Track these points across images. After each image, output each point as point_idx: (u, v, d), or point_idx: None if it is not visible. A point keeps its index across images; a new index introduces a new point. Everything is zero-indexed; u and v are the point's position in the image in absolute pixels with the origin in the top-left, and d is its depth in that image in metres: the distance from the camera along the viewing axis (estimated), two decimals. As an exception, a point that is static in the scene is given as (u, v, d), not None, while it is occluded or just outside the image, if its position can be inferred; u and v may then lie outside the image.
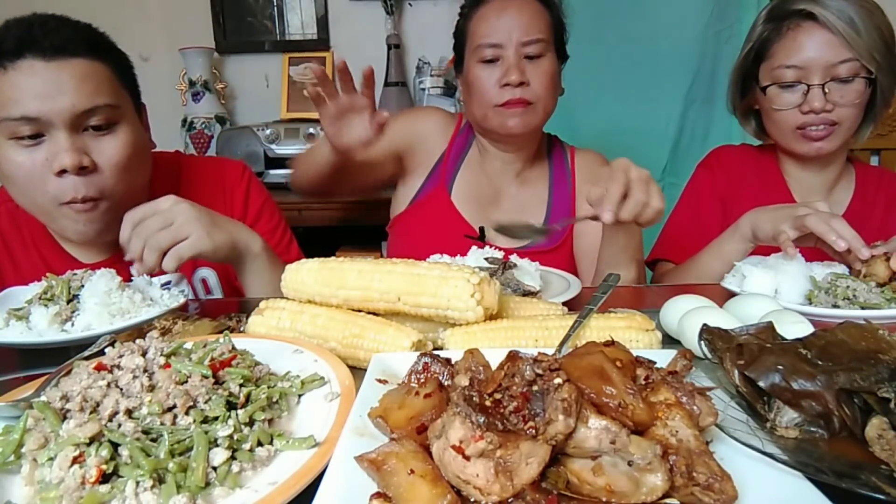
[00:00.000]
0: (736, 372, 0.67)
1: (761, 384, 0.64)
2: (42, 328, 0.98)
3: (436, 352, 0.72)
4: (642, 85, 2.59)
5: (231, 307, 1.11)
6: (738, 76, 1.55)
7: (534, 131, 1.60)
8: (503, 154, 1.65)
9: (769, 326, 0.76)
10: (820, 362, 0.65)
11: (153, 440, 0.59)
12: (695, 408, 0.57)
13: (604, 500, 0.51)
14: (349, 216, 2.36)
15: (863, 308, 0.99)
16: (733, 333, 0.74)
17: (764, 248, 1.24)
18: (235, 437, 0.60)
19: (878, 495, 0.49)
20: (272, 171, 2.53)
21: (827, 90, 1.36)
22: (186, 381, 0.66)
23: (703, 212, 1.61)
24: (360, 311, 0.91)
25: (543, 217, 1.65)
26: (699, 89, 2.55)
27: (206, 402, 0.63)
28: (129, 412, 0.62)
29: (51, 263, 1.27)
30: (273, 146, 2.53)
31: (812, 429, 0.61)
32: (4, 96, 1.08)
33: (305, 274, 0.94)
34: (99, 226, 1.19)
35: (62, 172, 1.10)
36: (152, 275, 1.13)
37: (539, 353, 0.59)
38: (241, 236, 1.20)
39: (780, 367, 0.64)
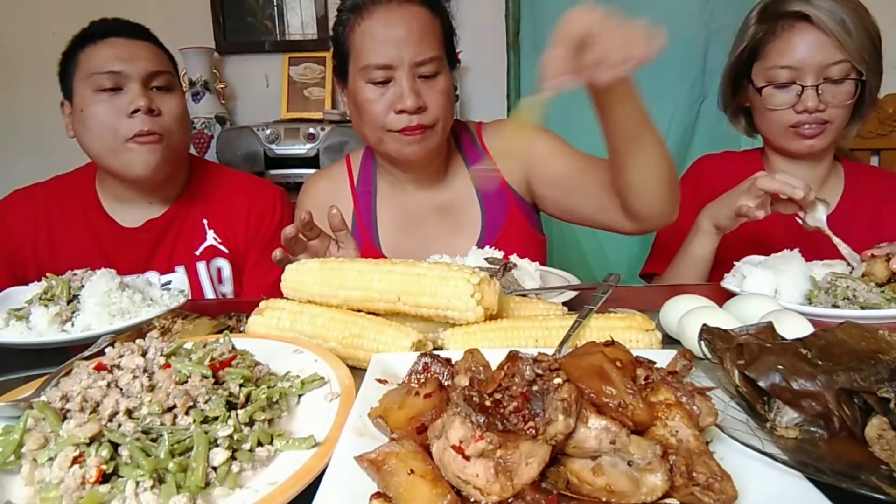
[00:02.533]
0: (736, 372, 0.67)
1: (761, 384, 0.64)
2: (42, 328, 0.98)
3: (436, 352, 0.72)
4: (643, 82, 2.58)
5: (231, 307, 1.11)
6: (730, 75, 1.55)
7: (435, 153, 1.47)
8: (408, 174, 1.51)
9: (769, 326, 0.76)
10: (820, 362, 0.64)
11: (153, 440, 0.59)
12: (695, 408, 0.57)
13: (604, 500, 0.51)
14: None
15: (863, 308, 0.99)
16: (733, 333, 0.74)
17: (764, 249, 1.24)
18: (235, 437, 0.60)
19: (877, 495, 0.49)
20: (272, 171, 2.53)
21: (820, 91, 1.38)
22: (186, 381, 0.66)
23: (690, 225, 1.60)
24: (360, 311, 0.91)
25: (480, 213, 1.52)
26: (701, 86, 2.54)
27: (206, 402, 0.63)
28: (129, 412, 0.62)
29: (93, 222, 1.55)
30: (273, 146, 2.53)
31: (812, 429, 0.61)
32: (94, 61, 1.44)
33: (305, 274, 0.94)
34: (158, 158, 1.45)
35: (135, 112, 1.41)
36: None
37: (539, 353, 0.59)
38: None
39: (780, 367, 0.64)
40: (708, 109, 2.56)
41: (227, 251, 1.58)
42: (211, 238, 1.57)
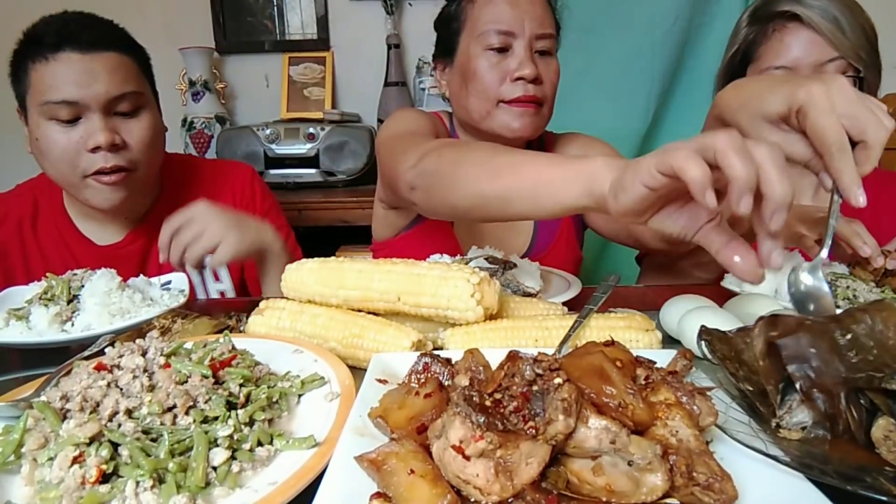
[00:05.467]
0: (762, 339, 0.64)
1: (786, 357, 0.61)
2: (42, 328, 0.98)
3: (436, 352, 0.72)
4: (616, 80, 2.52)
5: (231, 306, 1.11)
6: (724, 79, 1.52)
7: (534, 137, 1.43)
8: None
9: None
10: (850, 355, 0.62)
11: (153, 440, 0.59)
12: (695, 408, 0.57)
13: (604, 500, 0.51)
14: (349, 216, 2.36)
15: (863, 308, 0.99)
16: (731, 335, 0.73)
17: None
18: (235, 437, 0.60)
19: (883, 497, 0.48)
20: (272, 171, 2.53)
21: None
22: (186, 381, 0.66)
23: None
24: (360, 311, 0.91)
25: (533, 223, 1.52)
26: (678, 83, 2.50)
27: (206, 402, 0.63)
28: (129, 412, 0.62)
29: (69, 243, 1.42)
30: (273, 146, 2.53)
31: (815, 431, 0.60)
32: (46, 83, 1.23)
33: (305, 274, 0.94)
34: (124, 194, 1.32)
35: (96, 149, 1.24)
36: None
37: (539, 353, 0.59)
38: (266, 237, 1.31)
39: (812, 349, 0.62)
40: (686, 105, 2.51)
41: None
42: None
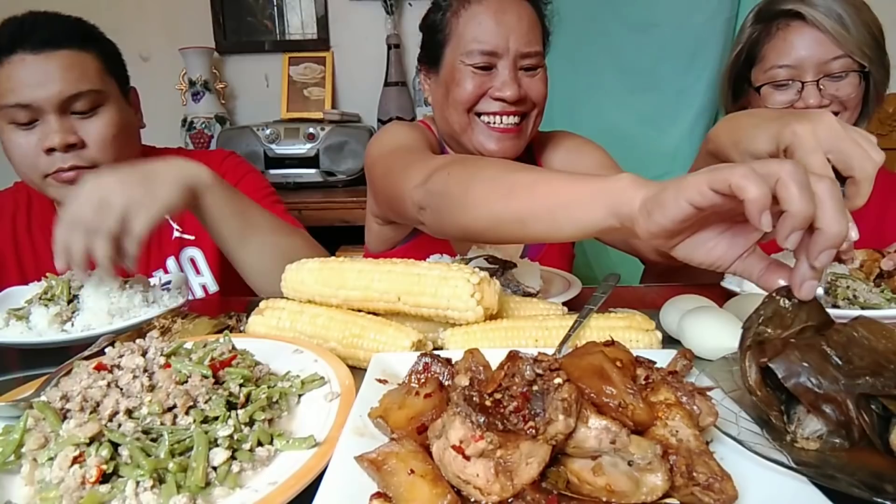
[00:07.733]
0: (754, 369, 0.63)
1: (785, 383, 0.60)
2: (42, 328, 0.98)
3: (436, 352, 0.72)
4: (647, 75, 2.53)
5: (231, 306, 1.11)
6: (730, 79, 1.54)
7: (515, 157, 1.41)
8: None
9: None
10: (841, 363, 0.61)
11: (153, 440, 0.59)
12: (695, 408, 0.57)
13: (604, 500, 0.51)
14: (349, 216, 2.36)
15: (863, 308, 0.99)
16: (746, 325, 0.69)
17: (766, 248, 1.24)
18: (235, 437, 0.60)
19: None
20: (272, 171, 2.53)
21: (822, 86, 1.36)
22: (186, 381, 0.66)
23: None
24: (360, 311, 0.91)
25: None
26: (710, 79, 2.49)
27: (206, 402, 0.63)
28: (129, 412, 0.62)
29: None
30: (273, 146, 2.53)
31: (832, 439, 0.58)
32: (2, 87, 1.21)
33: (305, 274, 0.94)
34: None
35: (51, 151, 1.23)
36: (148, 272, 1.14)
37: (539, 353, 0.59)
38: (188, 172, 1.08)
39: (805, 364, 0.60)
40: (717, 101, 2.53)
41: (192, 237, 1.41)
42: (174, 229, 1.41)
